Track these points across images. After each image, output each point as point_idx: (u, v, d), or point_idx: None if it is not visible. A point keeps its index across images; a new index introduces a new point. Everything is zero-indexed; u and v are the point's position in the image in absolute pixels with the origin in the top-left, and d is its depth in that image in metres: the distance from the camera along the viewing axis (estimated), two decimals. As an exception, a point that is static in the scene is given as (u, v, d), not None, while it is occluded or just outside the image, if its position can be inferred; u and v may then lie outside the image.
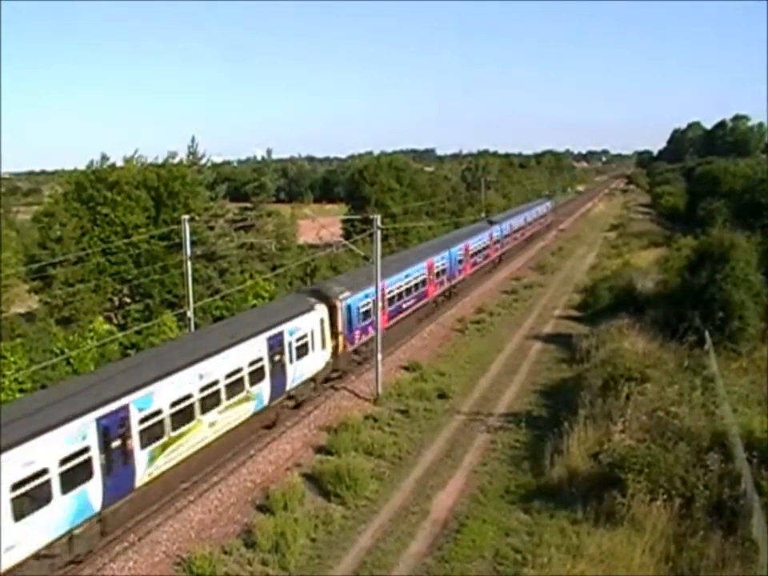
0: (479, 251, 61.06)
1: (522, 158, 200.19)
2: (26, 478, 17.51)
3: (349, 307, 34.65)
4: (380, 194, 79.77)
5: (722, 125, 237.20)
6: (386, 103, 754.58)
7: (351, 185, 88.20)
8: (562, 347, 40.99)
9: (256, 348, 27.02)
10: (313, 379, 31.72)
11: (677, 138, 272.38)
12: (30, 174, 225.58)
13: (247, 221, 60.04)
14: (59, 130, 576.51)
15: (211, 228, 52.04)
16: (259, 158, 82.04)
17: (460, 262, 54.33)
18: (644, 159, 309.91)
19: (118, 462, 20.43)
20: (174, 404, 22.65)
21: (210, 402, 24.43)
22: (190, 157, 55.82)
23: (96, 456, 19.59)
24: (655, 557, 18.62)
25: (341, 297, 34.09)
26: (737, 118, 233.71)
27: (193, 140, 56.96)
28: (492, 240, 65.43)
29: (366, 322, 36.28)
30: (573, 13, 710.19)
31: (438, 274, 48.76)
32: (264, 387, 27.43)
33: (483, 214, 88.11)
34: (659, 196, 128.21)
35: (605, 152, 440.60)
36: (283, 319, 29.14)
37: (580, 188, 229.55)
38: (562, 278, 65.66)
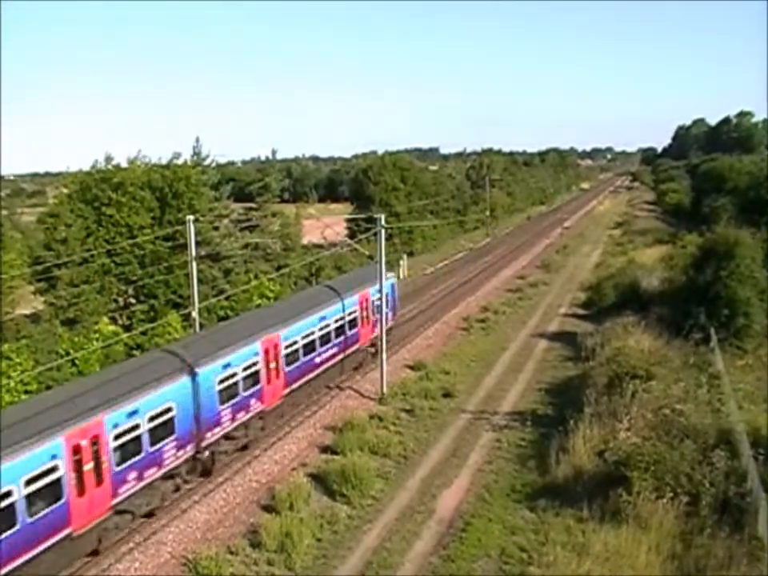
0: None
1: (527, 155, 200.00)
2: None
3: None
4: (384, 194, 79.77)
5: (726, 121, 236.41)
6: (390, 102, 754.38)
7: (355, 184, 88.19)
8: (567, 345, 40.92)
9: None
10: None
11: (681, 134, 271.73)
12: (35, 175, 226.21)
13: (252, 221, 60.07)
14: (63, 130, 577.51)
15: (216, 228, 52.08)
16: (263, 158, 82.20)
17: None
18: (648, 156, 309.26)
19: None
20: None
21: None
22: (194, 157, 55.85)
23: None
24: (661, 555, 18.57)
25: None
26: (741, 115, 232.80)
27: (197, 140, 57.06)
28: None
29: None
30: (577, 10, 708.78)
31: None
32: None
33: (488, 213, 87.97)
34: (664, 193, 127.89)
35: (609, 149, 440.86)
36: None
37: (584, 186, 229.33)
38: (566, 276, 65.55)
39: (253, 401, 26.93)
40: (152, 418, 21.80)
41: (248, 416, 26.72)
